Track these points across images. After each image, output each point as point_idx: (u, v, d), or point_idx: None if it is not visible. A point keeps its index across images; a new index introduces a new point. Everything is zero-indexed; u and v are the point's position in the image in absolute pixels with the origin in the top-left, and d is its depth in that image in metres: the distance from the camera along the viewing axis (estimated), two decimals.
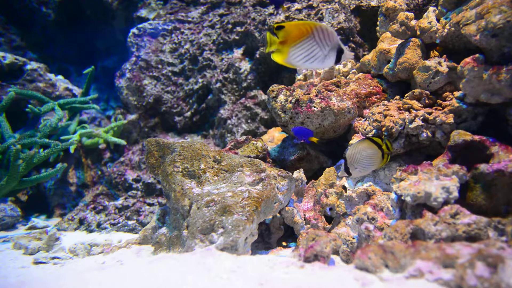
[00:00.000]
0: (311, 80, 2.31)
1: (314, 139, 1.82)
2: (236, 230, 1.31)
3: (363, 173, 1.43)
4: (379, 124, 1.69)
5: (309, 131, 1.80)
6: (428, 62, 1.73)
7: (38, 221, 2.52)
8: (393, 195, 1.47)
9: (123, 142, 2.99)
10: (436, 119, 1.61)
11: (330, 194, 1.72)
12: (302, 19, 2.78)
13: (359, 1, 2.79)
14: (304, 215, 1.77)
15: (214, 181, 1.59)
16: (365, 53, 2.74)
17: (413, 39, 1.86)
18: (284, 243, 1.83)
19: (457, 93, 1.67)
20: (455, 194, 1.27)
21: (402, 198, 1.37)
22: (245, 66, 2.95)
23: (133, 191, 2.73)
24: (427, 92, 1.73)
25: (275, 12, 2.88)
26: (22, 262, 1.67)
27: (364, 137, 1.44)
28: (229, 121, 2.90)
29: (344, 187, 1.74)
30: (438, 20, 1.82)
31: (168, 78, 3.23)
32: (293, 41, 1.13)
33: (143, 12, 3.70)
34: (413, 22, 1.86)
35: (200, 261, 1.09)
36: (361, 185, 1.69)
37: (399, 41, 1.98)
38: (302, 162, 2.02)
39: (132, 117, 3.18)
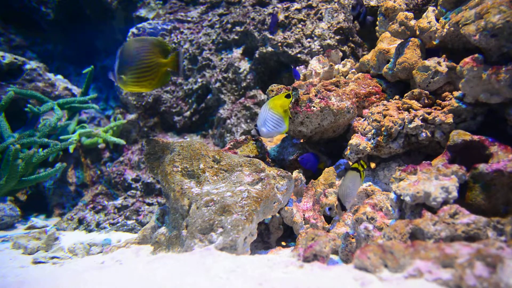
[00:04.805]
0: (311, 80, 2.30)
1: (322, 166, 1.94)
2: (235, 230, 1.31)
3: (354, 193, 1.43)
4: (378, 124, 1.69)
5: (316, 161, 1.92)
6: (427, 62, 1.73)
7: (37, 220, 2.52)
8: (392, 195, 1.47)
9: (123, 141, 2.98)
10: (436, 119, 1.61)
11: (330, 194, 1.72)
12: (301, 19, 2.78)
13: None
14: (304, 215, 1.77)
15: (213, 181, 1.59)
16: (365, 53, 2.74)
17: (412, 39, 1.86)
18: (283, 243, 1.83)
19: (456, 93, 1.67)
20: (454, 194, 1.27)
21: (401, 198, 1.37)
22: (245, 65, 2.94)
23: (132, 191, 2.72)
24: (426, 92, 1.73)
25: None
26: (21, 261, 1.67)
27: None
28: (228, 121, 2.89)
29: None
30: (437, 20, 1.82)
31: None
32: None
33: (142, 12, 3.70)
34: (412, 22, 1.85)
35: (199, 261, 1.09)
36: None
37: (399, 41, 1.98)
38: None
39: (131, 116, 3.18)
